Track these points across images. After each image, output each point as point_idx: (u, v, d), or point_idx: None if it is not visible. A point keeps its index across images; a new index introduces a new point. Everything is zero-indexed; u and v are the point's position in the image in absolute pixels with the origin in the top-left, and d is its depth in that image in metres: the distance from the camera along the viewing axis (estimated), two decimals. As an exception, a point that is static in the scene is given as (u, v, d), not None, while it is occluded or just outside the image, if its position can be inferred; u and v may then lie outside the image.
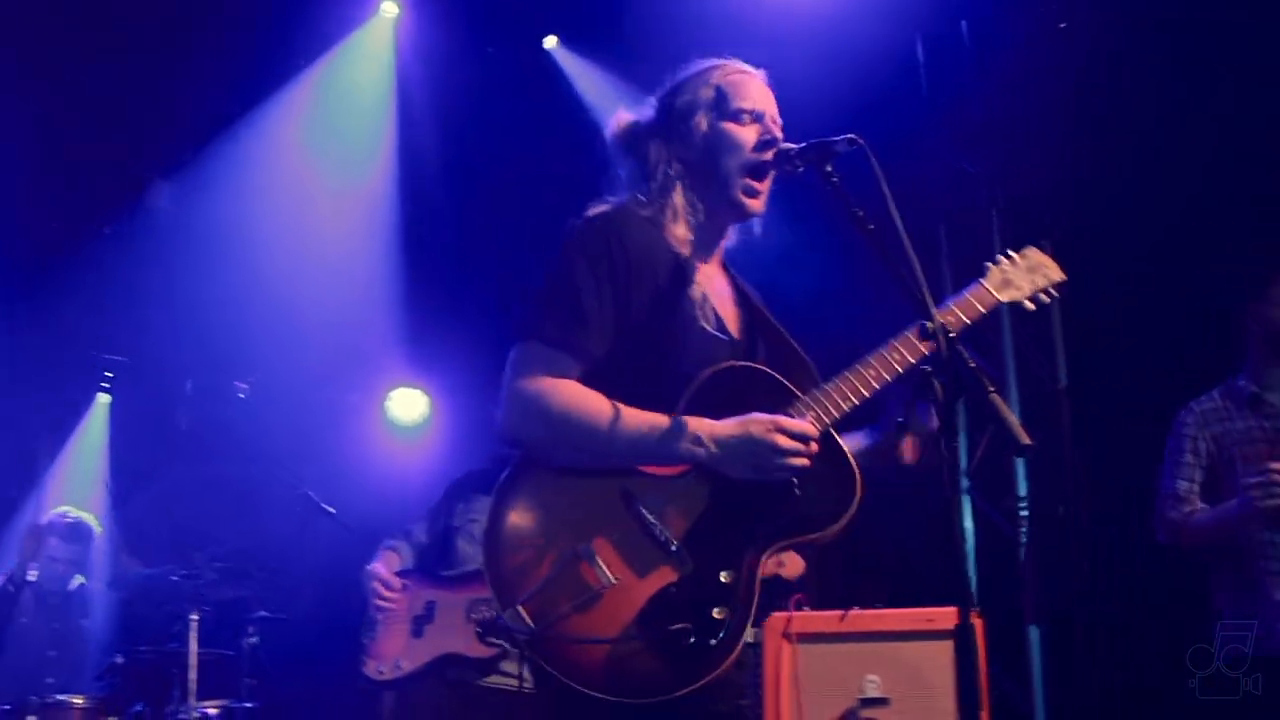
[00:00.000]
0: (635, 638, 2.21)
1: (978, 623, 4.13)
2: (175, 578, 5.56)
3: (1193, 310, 5.09)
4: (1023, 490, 5.68)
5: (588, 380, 2.37)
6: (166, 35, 5.79)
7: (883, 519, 5.64)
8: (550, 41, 6.64)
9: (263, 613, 5.81)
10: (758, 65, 2.69)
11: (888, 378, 2.42)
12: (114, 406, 7.29)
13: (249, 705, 5.60)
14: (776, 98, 2.65)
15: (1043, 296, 2.74)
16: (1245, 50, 5.15)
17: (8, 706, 5.16)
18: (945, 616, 4.10)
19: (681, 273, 2.48)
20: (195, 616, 5.43)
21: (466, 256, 6.63)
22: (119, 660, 5.60)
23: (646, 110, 2.65)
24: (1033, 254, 2.76)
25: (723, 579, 2.28)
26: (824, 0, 5.88)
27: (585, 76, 6.52)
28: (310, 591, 6.07)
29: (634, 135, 2.62)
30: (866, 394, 2.41)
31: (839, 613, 4.23)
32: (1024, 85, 6.00)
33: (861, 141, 2.41)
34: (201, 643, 5.43)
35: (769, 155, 2.52)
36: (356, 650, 4.40)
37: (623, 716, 2.20)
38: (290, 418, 6.27)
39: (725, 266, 2.71)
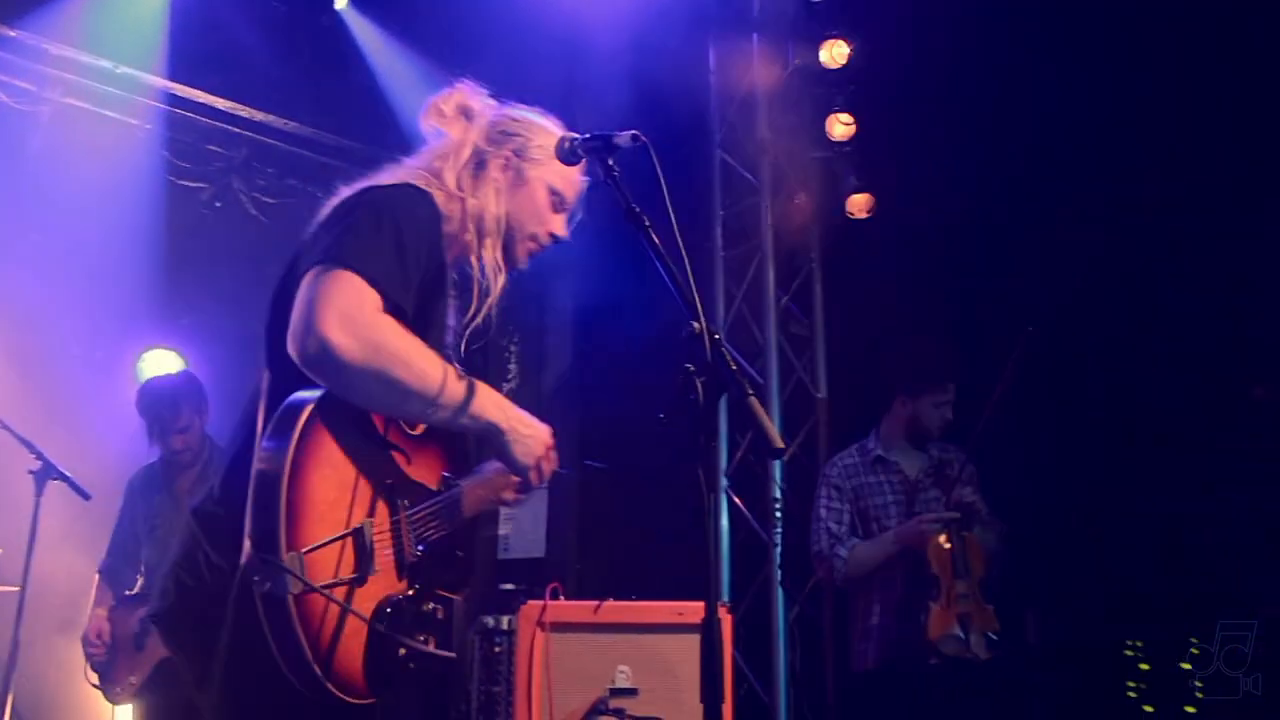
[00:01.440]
0: (379, 632, 2.18)
1: (726, 618, 4.32)
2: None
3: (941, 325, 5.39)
4: (778, 492, 5.85)
5: None
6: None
7: (644, 514, 5.81)
8: (341, 2, 6.43)
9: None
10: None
11: None
12: None
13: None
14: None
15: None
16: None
17: None
18: (695, 611, 4.23)
19: (444, 279, 2.49)
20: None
21: (228, 214, 6.34)
22: None
23: (485, 109, 2.64)
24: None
25: (430, 609, 2.32)
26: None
27: (376, 43, 6.37)
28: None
29: (458, 121, 2.62)
30: None
31: (593, 603, 4.32)
32: (807, 102, 6.23)
33: (644, 139, 2.45)
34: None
35: (548, 243, 2.64)
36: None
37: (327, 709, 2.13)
38: (33, 375, 5.87)
39: None
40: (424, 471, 2.41)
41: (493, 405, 2.38)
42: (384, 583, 2.22)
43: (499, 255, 2.58)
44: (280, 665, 2.04)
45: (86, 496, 4.91)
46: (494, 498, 2.58)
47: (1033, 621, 4.97)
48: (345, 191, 2.43)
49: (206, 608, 2.20)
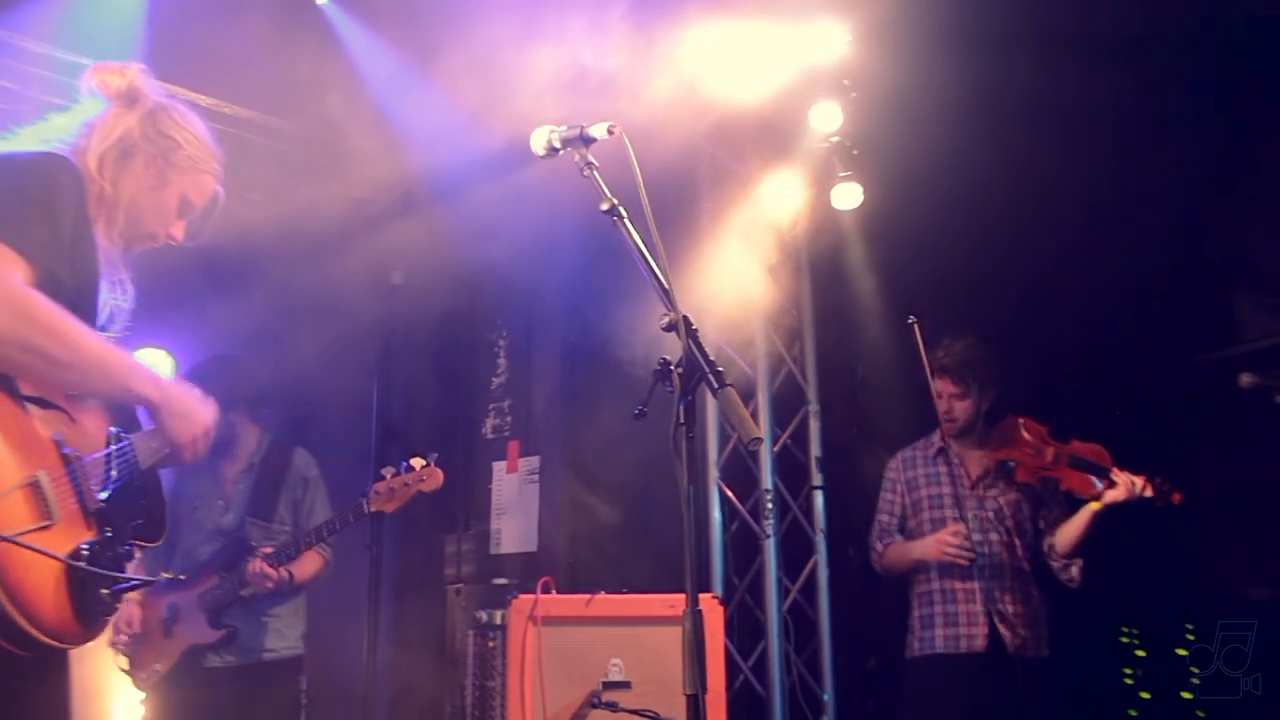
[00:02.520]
0: (63, 579, 2.28)
1: (718, 610, 4.32)
2: None
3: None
4: (768, 484, 5.84)
5: None
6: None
7: (634, 507, 5.80)
8: (322, -2, 6.40)
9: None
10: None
11: None
12: None
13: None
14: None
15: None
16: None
17: None
18: (687, 602, 4.24)
19: (95, 250, 2.54)
20: None
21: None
22: None
23: (151, 99, 2.72)
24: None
25: (127, 548, 2.50)
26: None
27: (359, 38, 6.34)
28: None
29: (125, 108, 2.68)
30: None
31: (585, 596, 4.32)
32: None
33: (618, 130, 2.46)
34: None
35: (163, 243, 2.76)
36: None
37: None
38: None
39: None
40: (91, 427, 2.54)
41: (148, 383, 2.52)
42: (72, 530, 2.35)
43: (113, 240, 2.63)
44: None
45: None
46: (166, 450, 2.69)
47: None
48: None
49: None
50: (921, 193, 5.56)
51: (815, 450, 6.08)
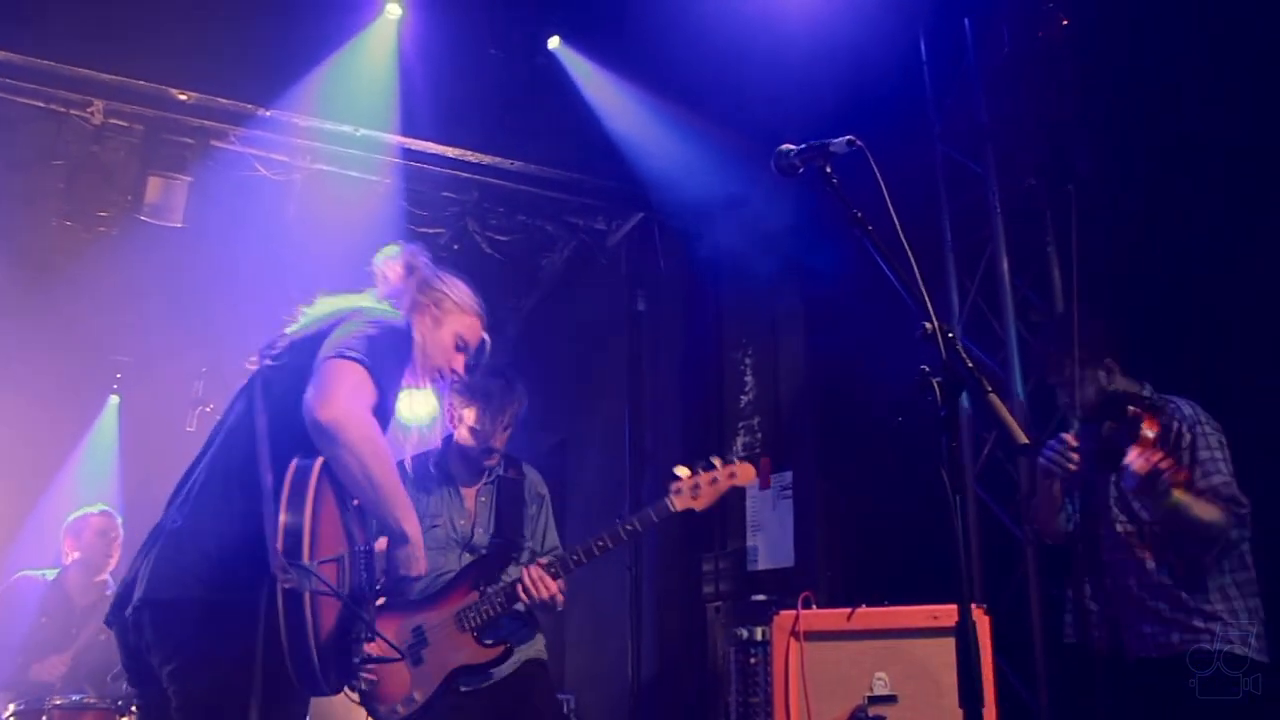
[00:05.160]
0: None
1: (983, 620, 4.21)
2: None
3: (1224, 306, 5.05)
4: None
5: None
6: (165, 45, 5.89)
7: (889, 517, 5.73)
8: (554, 42, 6.67)
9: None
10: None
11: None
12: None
13: None
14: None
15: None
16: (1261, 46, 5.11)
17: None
18: (949, 614, 4.15)
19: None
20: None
21: (466, 255, 6.64)
22: None
23: (423, 267, 3.50)
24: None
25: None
26: (825, -2, 5.90)
27: (589, 76, 6.57)
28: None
29: (404, 276, 3.48)
30: None
31: (846, 610, 4.29)
32: (1026, 83, 6.02)
33: (860, 143, 2.47)
34: None
35: (450, 379, 3.52)
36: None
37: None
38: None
39: None
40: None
41: (414, 522, 3.05)
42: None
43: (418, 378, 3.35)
44: (285, 656, 2.57)
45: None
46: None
47: None
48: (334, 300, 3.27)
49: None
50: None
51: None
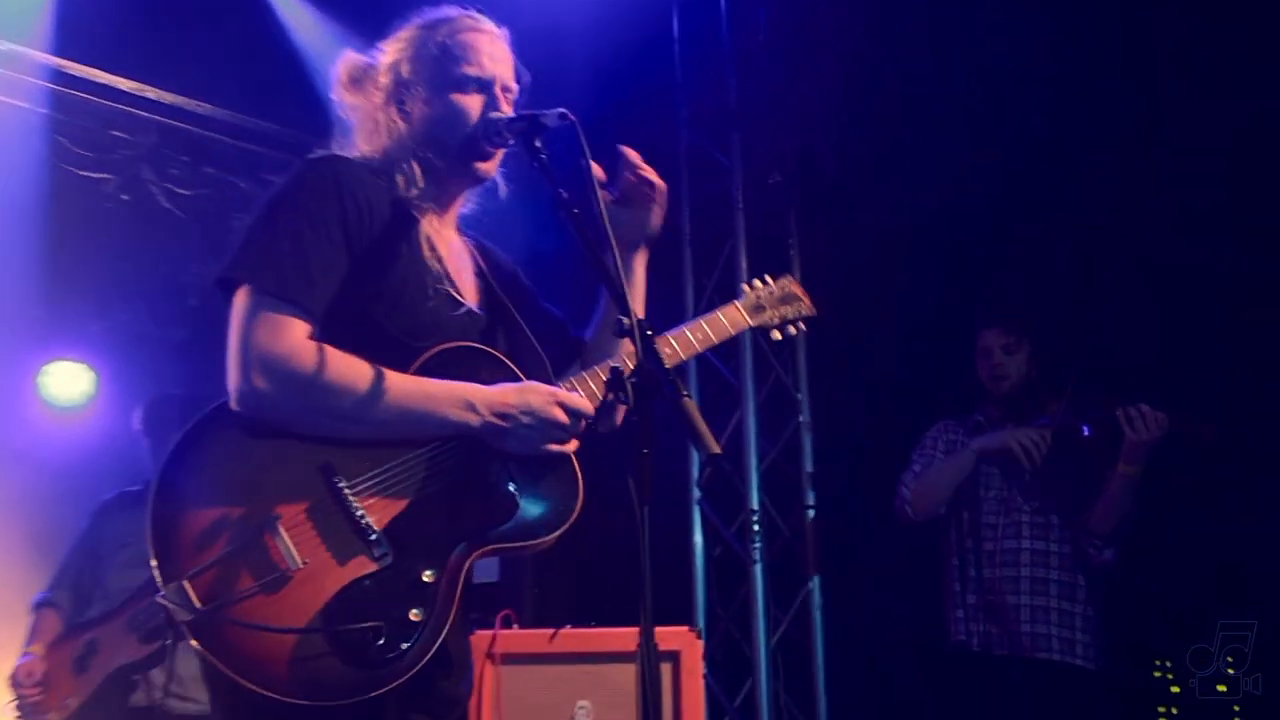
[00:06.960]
0: (320, 630, 2.14)
1: (696, 645, 4.28)
2: None
3: (944, 324, 5.36)
4: (755, 504, 5.76)
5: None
6: None
7: (604, 533, 5.75)
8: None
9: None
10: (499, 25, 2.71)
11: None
12: None
13: None
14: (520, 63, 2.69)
15: (791, 329, 3.05)
16: (1052, 47, 5.38)
17: None
18: (663, 637, 4.20)
19: (414, 234, 2.48)
20: None
21: (138, 207, 6.19)
22: None
23: (375, 58, 2.66)
24: (788, 284, 3.07)
25: (425, 577, 2.25)
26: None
27: (309, 26, 6.30)
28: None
29: (360, 85, 2.65)
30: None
31: (549, 631, 4.28)
32: (782, 71, 6.20)
33: (573, 117, 2.43)
34: None
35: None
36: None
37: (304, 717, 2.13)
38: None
39: (462, 232, 2.72)
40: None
41: (458, 406, 2.35)
42: (329, 572, 2.19)
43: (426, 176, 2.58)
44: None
45: None
46: None
47: None
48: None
49: None
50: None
51: (807, 466, 6.04)
